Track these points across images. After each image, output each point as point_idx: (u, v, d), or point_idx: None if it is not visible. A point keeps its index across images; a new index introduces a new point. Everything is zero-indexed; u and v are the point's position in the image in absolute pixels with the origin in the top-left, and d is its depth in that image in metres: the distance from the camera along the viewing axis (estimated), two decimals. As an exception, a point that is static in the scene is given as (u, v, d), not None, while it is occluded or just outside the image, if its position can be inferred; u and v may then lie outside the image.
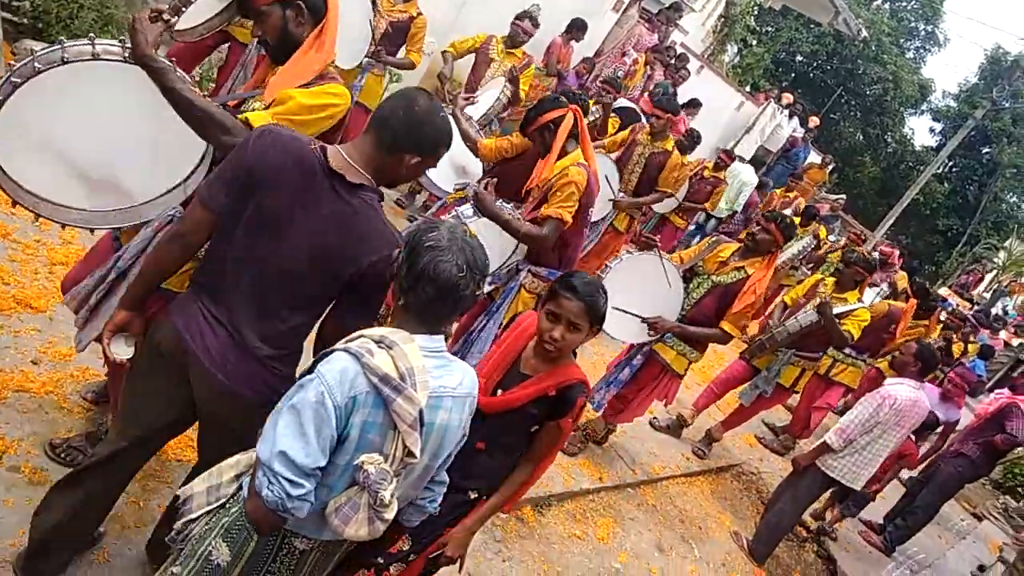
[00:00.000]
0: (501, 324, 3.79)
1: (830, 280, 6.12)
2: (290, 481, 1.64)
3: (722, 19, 13.82)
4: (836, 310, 5.59)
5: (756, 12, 15.39)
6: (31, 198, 2.27)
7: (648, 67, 9.18)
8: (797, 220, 9.54)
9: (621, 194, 6.29)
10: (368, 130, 2.01)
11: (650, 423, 5.89)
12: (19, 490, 2.56)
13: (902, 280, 9.27)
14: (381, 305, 2.13)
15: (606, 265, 4.47)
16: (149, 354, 2.09)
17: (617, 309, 4.33)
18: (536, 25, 6.74)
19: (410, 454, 1.73)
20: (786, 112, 13.66)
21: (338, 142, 2.23)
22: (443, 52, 6.59)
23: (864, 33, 22.50)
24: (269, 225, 1.94)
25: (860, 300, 6.02)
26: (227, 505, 1.88)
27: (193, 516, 1.91)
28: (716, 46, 13.98)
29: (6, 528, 2.42)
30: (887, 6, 31.05)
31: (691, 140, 7.43)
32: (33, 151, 2.22)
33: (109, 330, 2.11)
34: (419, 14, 5.97)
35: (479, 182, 3.65)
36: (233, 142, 2.04)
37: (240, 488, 1.87)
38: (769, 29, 23.54)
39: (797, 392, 6.32)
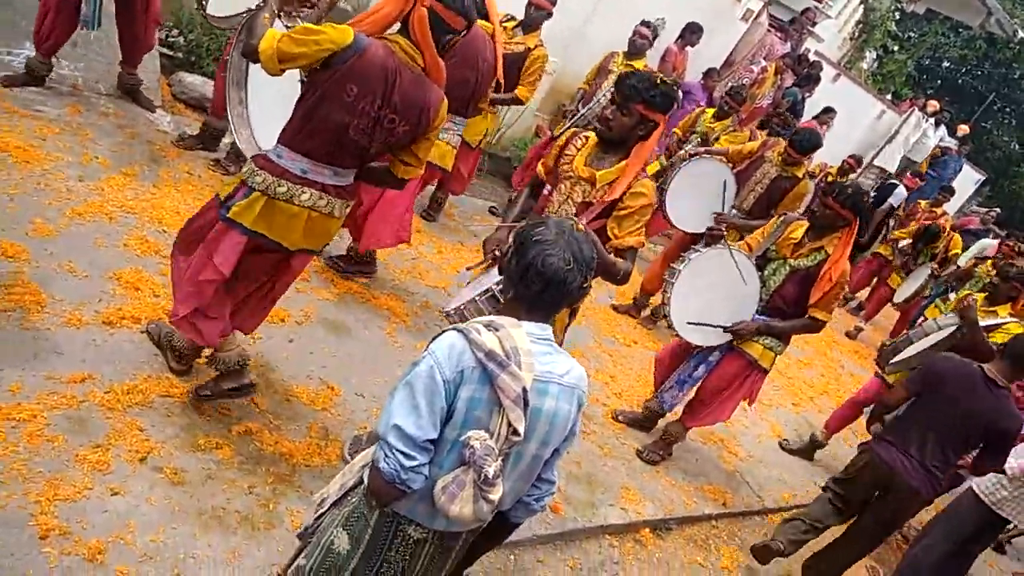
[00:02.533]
0: None
1: (980, 296, 5.62)
2: (404, 453, 1.75)
3: (860, 25, 13.12)
4: (984, 322, 5.03)
5: (897, 17, 14.54)
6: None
7: (779, 75, 8.85)
8: (952, 239, 8.89)
9: (733, 211, 5.81)
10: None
11: (780, 445, 5.60)
12: (160, 488, 2.73)
13: None
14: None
15: (671, 267, 4.14)
16: None
17: (692, 324, 4.10)
18: (656, 33, 6.55)
19: (515, 432, 1.78)
20: (932, 121, 12.78)
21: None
22: (577, 90, 6.48)
23: (1021, 34, 20.79)
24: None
25: (1012, 315, 5.49)
26: (348, 496, 1.98)
27: (323, 510, 2.02)
28: (854, 53, 13.28)
29: (148, 524, 2.59)
30: (1048, 4, 28.59)
31: (809, 143, 6.09)
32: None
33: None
34: (537, 46, 5.62)
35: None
36: (249, 43, 2.52)
37: (363, 481, 1.96)
38: (912, 34, 22.15)
39: None
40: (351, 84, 2.56)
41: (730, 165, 5.79)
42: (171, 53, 5.70)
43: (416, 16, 2.63)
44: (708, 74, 8.57)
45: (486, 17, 4.04)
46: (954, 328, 4.80)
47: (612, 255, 3.04)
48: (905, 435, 3.85)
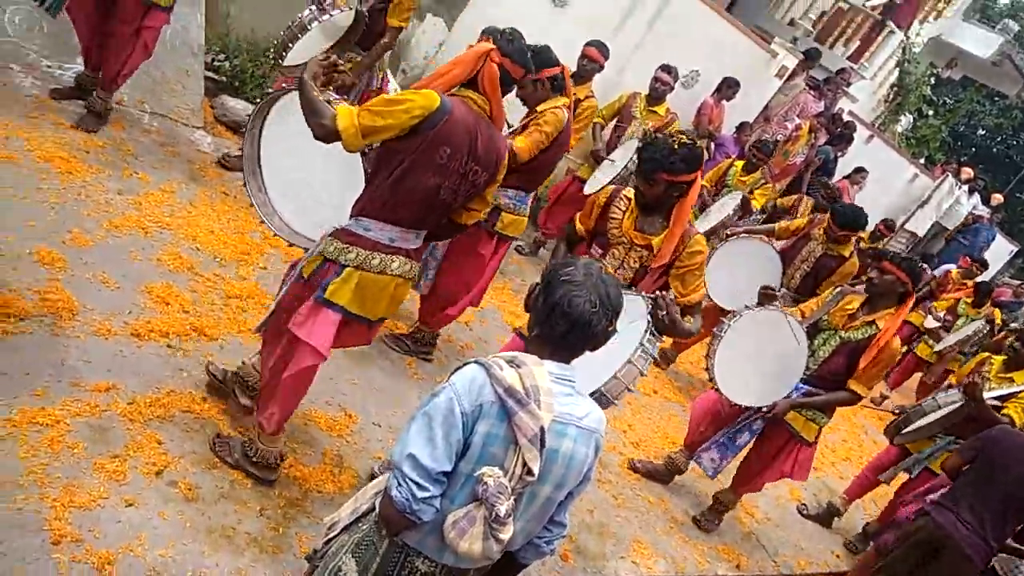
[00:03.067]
0: None
1: (997, 359, 5.52)
2: (417, 484, 1.74)
3: (895, 88, 13.19)
4: (996, 392, 4.95)
5: (933, 82, 14.60)
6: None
7: (812, 134, 8.88)
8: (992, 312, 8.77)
9: (782, 289, 5.73)
10: None
11: (798, 509, 5.47)
12: (174, 503, 2.73)
13: None
14: None
15: (721, 321, 4.09)
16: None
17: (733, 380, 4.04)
18: (676, 77, 6.49)
19: (529, 472, 1.76)
20: (965, 188, 12.69)
21: None
22: (593, 124, 6.51)
23: (1058, 106, 20.72)
24: None
25: None
26: (360, 522, 1.97)
27: (334, 534, 2.01)
28: (888, 115, 13.32)
29: (159, 537, 2.58)
30: (1087, 78, 28.49)
31: (850, 219, 5.74)
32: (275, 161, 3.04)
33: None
34: (588, 97, 5.70)
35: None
36: (323, 125, 2.47)
37: (375, 508, 1.95)
38: (947, 100, 22.19)
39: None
40: (444, 147, 2.58)
41: (775, 243, 5.77)
42: (216, 77, 5.85)
43: (487, 72, 2.74)
44: (741, 128, 8.61)
45: (565, 92, 4.13)
46: (960, 403, 4.74)
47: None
48: (959, 502, 3.85)
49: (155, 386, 3.13)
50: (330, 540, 2.10)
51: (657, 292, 2.88)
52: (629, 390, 2.70)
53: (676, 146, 2.98)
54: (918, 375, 9.52)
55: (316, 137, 2.54)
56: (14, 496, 2.44)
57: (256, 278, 4.17)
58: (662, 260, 3.11)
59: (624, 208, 3.21)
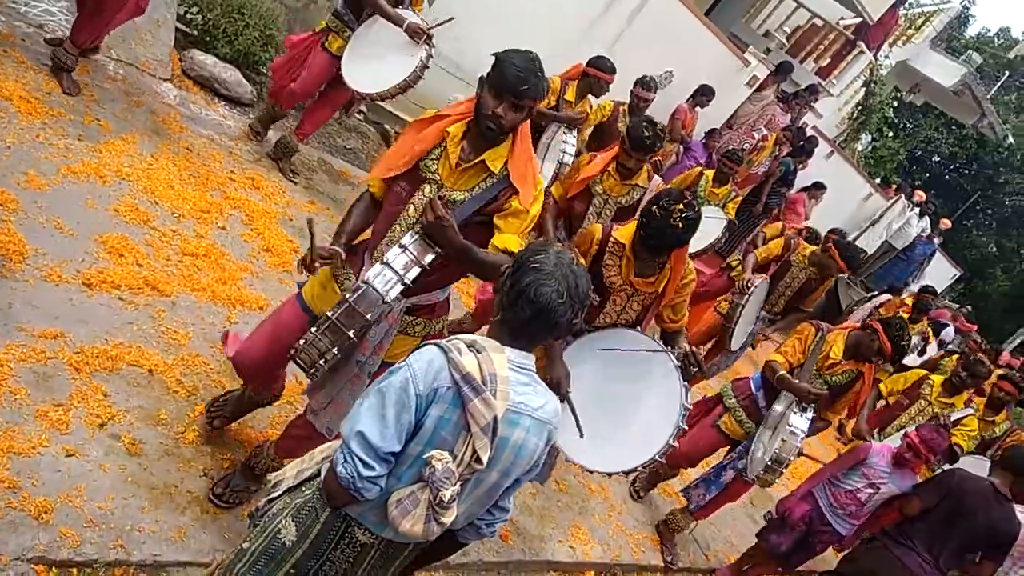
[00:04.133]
0: None
1: (937, 378, 5.73)
2: (363, 462, 1.74)
3: (860, 107, 13.48)
4: (955, 415, 5.23)
5: (896, 105, 14.96)
6: None
7: (777, 146, 9.06)
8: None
9: (762, 313, 5.77)
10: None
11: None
12: (116, 457, 2.69)
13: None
14: None
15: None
16: None
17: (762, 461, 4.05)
18: (652, 90, 6.28)
19: (478, 459, 1.77)
20: (917, 210, 13.10)
21: None
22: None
23: (1011, 140, 21.46)
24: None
25: (968, 406, 5.61)
26: (303, 485, 1.96)
27: (276, 494, 2.00)
28: (850, 134, 13.63)
29: (99, 490, 2.55)
30: (1039, 115, 29.54)
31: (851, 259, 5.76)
32: None
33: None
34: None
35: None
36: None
37: (320, 473, 1.94)
38: (907, 124, 22.79)
39: None
40: None
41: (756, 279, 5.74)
42: (186, 29, 5.70)
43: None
44: (711, 134, 8.73)
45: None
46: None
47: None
48: (915, 539, 4.04)
49: (103, 338, 3.08)
50: (272, 500, 2.09)
51: (686, 349, 3.10)
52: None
53: (681, 222, 2.97)
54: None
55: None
56: (-50, 437, 2.38)
57: (214, 237, 4.10)
58: (668, 300, 3.26)
59: (619, 254, 3.24)
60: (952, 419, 5.36)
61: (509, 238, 2.34)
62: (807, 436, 3.96)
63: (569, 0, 7.24)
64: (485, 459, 1.76)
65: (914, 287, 11.76)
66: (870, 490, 4.17)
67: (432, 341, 1.84)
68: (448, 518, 1.78)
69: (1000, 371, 7.44)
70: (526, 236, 2.41)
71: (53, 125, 3.95)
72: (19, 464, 2.44)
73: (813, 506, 4.31)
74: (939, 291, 14.80)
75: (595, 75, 5.53)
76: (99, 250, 3.47)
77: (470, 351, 1.78)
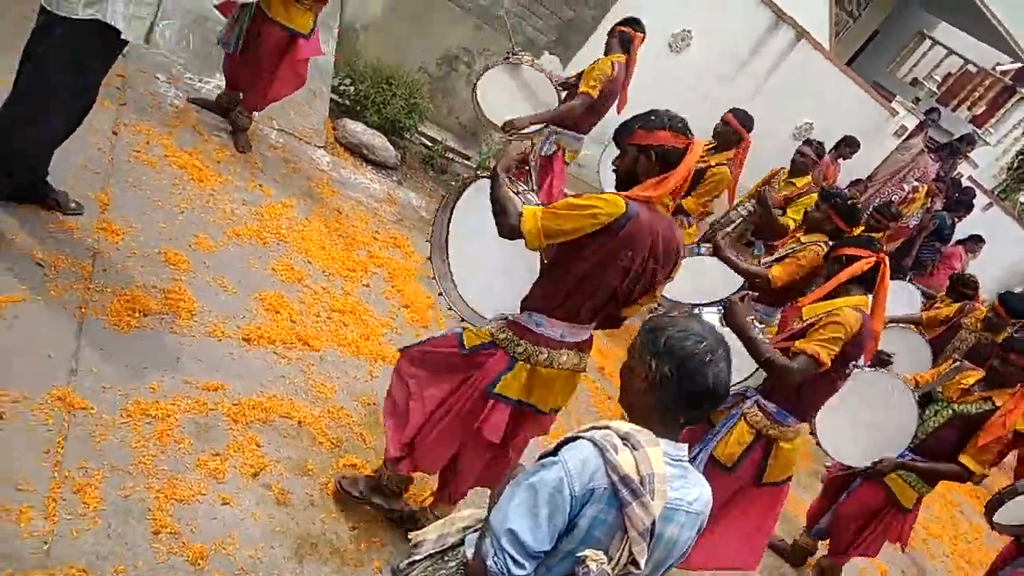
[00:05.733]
0: (710, 455, 3.40)
1: None
2: (513, 560, 1.67)
3: (1020, 156, 12.56)
4: None
5: (1062, 153, 13.82)
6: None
7: (929, 198, 8.55)
8: None
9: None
10: None
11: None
12: (265, 507, 2.82)
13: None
14: None
15: None
16: None
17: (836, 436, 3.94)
18: (821, 154, 6.02)
19: (635, 563, 1.67)
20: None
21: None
22: (739, 202, 6.07)
23: None
24: None
25: None
26: (447, 557, 1.95)
27: (418, 558, 2.00)
28: (1011, 184, 12.68)
29: (250, 538, 2.67)
30: None
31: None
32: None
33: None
34: (719, 164, 5.34)
35: (736, 294, 3.48)
36: (509, 224, 2.50)
37: (463, 543, 1.93)
38: (1078, 173, 20.90)
39: None
40: (626, 250, 2.50)
41: (923, 333, 5.47)
42: (340, 100, 6.11)
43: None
44: (854, 184, 8.37)
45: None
46: None
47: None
48: None
49: (259, 390, 3.27)
50: (413, 563, 2.10)
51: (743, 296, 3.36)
52: None
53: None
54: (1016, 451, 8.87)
55: (501, 234, 2.55)
56: (124, 483, 2.58)
57: (359, 294, 4.30)
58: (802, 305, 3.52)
59: None
60: None
61: None
62: None
63: (703, 59, 7.22)
64: (643, 563, 1.68)
65: None
66: None
67: (586, 436, 1.75)
68: None
69: None
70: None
71: (221, 191, 4.31)
72: (180, 511, 2.60)
73: None
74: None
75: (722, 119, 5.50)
76: (258, 307, 3.71)
77: (625, 447, 1.71)
